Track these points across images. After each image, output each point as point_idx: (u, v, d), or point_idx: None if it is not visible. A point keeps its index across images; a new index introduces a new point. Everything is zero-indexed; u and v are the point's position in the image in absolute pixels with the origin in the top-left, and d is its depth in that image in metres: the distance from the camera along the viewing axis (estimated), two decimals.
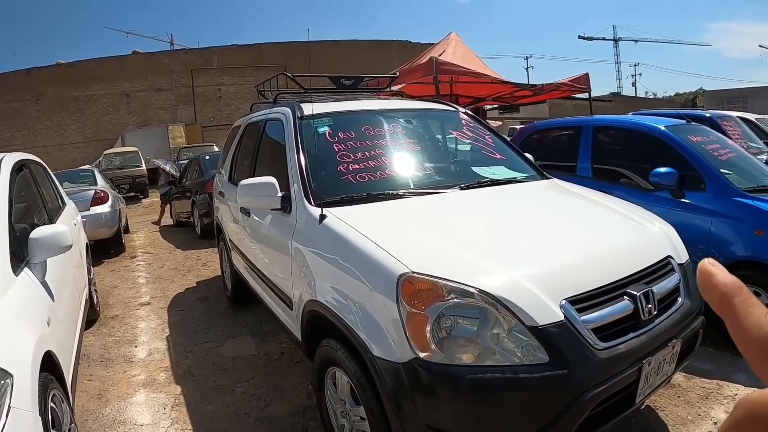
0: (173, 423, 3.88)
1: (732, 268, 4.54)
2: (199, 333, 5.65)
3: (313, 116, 4.07)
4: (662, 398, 3.81)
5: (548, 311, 2.37)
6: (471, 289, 2.34)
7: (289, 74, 5.19)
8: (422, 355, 2.30)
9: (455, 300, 2.33)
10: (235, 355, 5.01)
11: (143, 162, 24.00)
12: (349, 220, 3.02)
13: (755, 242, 4.42)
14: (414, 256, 2.54)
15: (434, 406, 2.32)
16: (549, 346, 2.31)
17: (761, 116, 11.31)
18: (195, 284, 7.77)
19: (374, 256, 2.62)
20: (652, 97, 78.39)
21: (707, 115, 8.94)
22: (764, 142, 9.13)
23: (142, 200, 22.30)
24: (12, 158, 4.20)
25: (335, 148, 3.80)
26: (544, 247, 2.86)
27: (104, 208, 9.91)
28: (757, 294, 4.28)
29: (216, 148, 23.02)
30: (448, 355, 2.30)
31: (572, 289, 2.51)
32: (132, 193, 22.19)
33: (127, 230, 12.52)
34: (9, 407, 2.05)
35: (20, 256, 3.25)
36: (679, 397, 3.86)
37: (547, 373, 2.28)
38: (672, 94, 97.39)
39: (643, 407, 3.66)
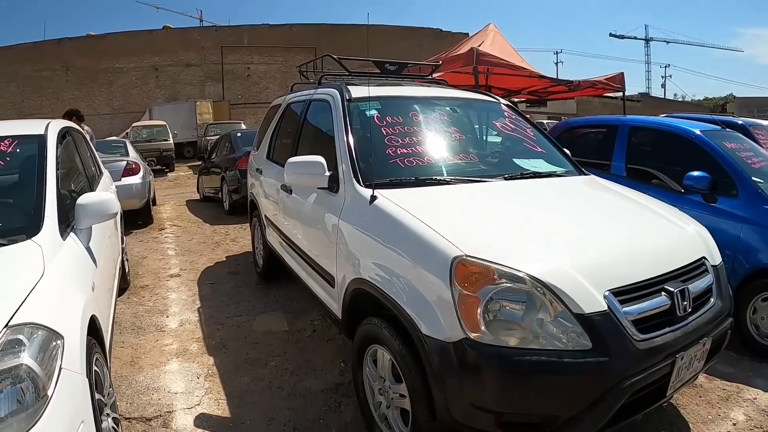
0: (207, 392, 3.95)
1: (758, 275, 4.57)
2: (230, 306, 5.73)
3: (361, 99, 4.11)
4: (684, 397, 3.87)
5: (593, 300, 2.46)
6: (521, 274, 2.43)
7: (334, 56, 5.24)
8: (472, 335, 2.39)
9: (506, 284, 2.42)
10: (266, 330, 5.08)
11: (171, 136, 24.17)
12: (399, 202, 3.09)
13: None
14: (466, 240, 2.62)
15: (480, 386, 2.40)
16: (592, 334, 2.40)
17: None
18: (224, 258, 7.83)
19: (427, 238, 2.70)
20: (680, 99, 77.66)
21: (740, 122, 8.89)
22: None
23: (168, 174, 22.47)
24: (57, 125, 4.25)
25: (383, 131, 3.85)
26: (588, 239, 2.93)
27: (136, 179, 10.07)
28: None
29: (244, 126, 23.10)
30: (496, 337, 2.39)
31: (615, 281, 2.59)
32: (159, 167, 22.24)
33: (155, 203, 12.64)
34: (60, 368, 2.12)
35: (66, 221, 3.28)
36: (701, 396, 3.92)
37: (590, 359, 2.37)
38: (701, 98, 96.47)
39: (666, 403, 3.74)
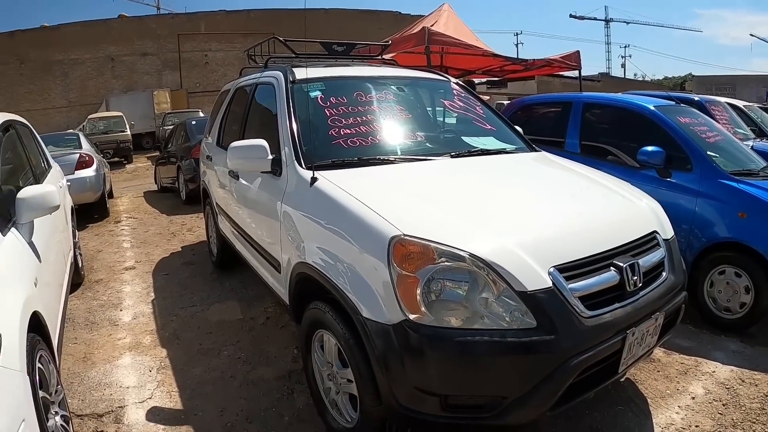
0: (159, 385, 3.88)
1: (714, 248, 4.59)
2: (184, 297, 5.64)
3: (305, 80, 4.03)
4: (642, 372, 3.87)
5: (537, 277, 2.41)
6: (462, 253, 2.37)
7: (280, 39, 5.12)
8: (412, 317, 2.33)
9: (446, 263, 2.36)
10: (220, 319, 5.01)
11: (128, 127, 23.79)
12: (340, 183, 3.02)
13: (738, 224, 4.46)
14: (406, 219, 2.55)
15: (423, 368, 2.35)
16: (537, 312, 2.35)
17: (749, 103, 11.37)
18: (180, 249, 7.73)
19: (366, 219, 2.63)
20: (640, 79, 78.55)
21: (696, 98, 8.92)
22: (751, 129, 9.17)
23: (126, 165, 22.12)
24: None
25: (327, 112, 3.78)
26: (533, 215, 2.88)
27: (89, 172, 9.78)
28: (737, 275, 4.33)
29: (201, 114, 22.74)
30: (438, 318, 2.33)
31: (561, 257, 2.54)
32: (116, 159, 21.97)
33: (111, 195, 12.42)
34: None
35: (7, 216, 3.19)
36: (659, 371, 3.92)
37: (535, 338, 2.32)
38: (660, 78, 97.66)
39: (623, 379, 3.71)
